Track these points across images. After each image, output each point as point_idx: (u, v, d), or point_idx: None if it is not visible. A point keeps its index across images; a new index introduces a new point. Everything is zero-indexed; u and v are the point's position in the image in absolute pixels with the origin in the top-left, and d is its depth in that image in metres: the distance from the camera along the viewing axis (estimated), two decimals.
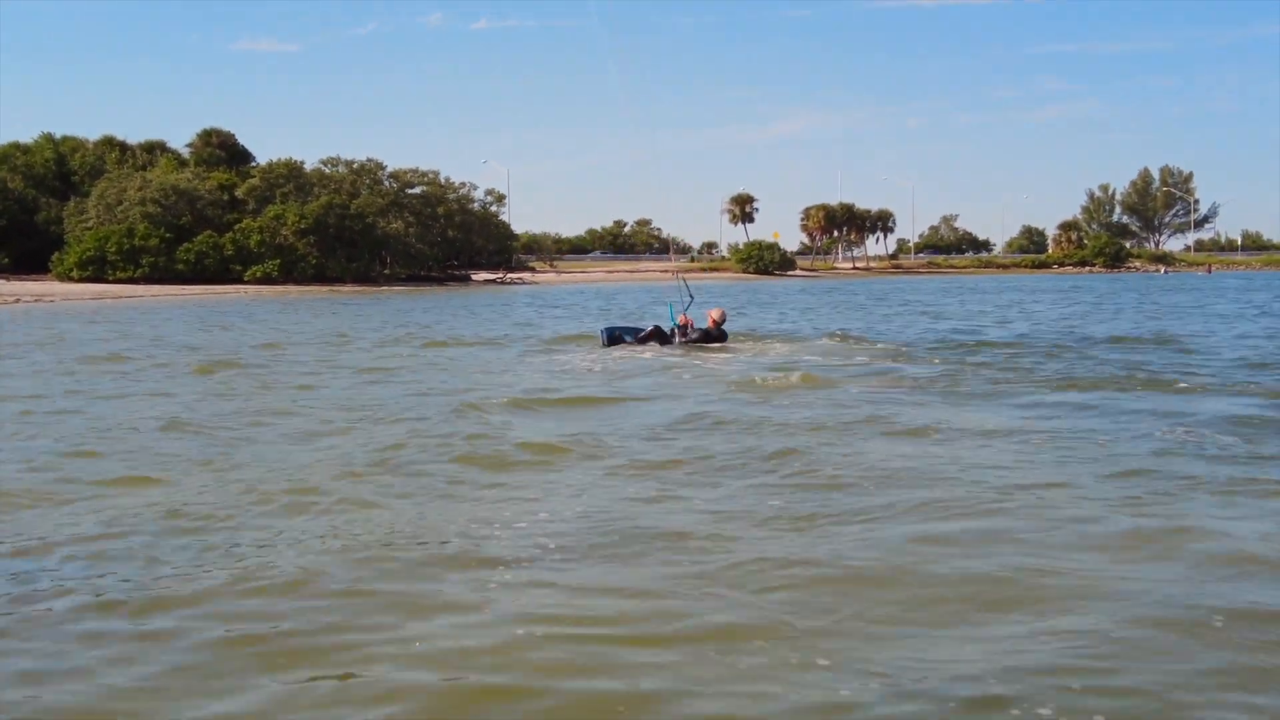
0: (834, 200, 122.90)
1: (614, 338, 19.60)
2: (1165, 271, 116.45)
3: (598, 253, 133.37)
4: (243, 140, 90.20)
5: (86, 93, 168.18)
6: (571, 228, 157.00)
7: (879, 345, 20.15)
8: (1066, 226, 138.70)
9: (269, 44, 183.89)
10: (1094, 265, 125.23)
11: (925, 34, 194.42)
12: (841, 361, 16.74)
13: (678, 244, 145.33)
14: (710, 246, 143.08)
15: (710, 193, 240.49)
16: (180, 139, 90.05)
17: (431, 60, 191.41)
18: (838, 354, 18.24)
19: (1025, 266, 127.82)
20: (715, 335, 19.44)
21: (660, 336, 19.29)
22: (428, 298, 50.67)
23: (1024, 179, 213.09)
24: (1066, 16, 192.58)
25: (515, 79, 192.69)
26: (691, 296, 20.33)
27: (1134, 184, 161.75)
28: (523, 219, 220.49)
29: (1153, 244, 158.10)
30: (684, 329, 19.27)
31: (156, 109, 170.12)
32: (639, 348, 19.01)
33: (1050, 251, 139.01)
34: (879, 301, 43.39)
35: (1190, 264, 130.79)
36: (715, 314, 19.87)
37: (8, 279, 60.96)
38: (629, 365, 16.32)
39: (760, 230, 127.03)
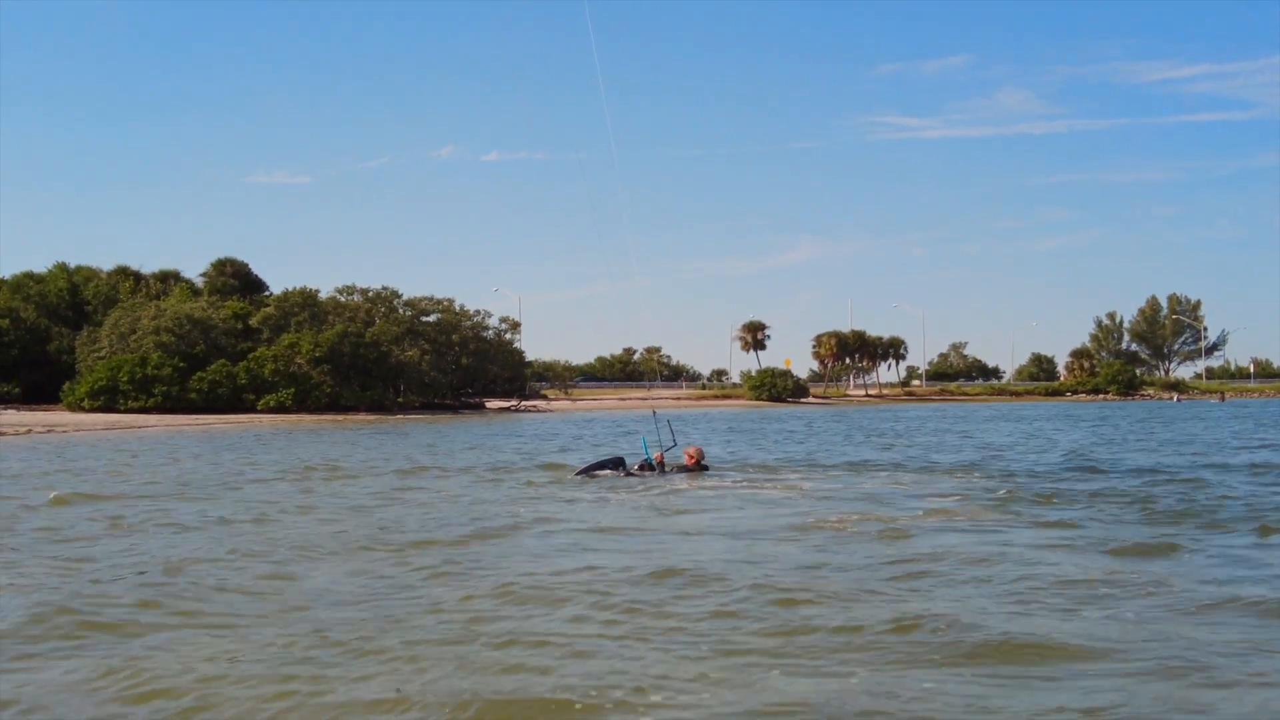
0: (843, 326, 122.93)
1: (592, 467, 19.51)
2: (1178, 399, 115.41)
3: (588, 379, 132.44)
4: (256, 270, 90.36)
5: (101, 223, 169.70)
6: (581, 355, 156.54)
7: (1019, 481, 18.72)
8: (1078, 354, 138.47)
9: (282, 176, 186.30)
10: (1107, 393, 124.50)
11: (928, 165, 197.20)
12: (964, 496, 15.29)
13: (688, 372, 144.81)
14: (720, 374, 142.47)
15: (719, 320, 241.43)
16: (194, 269, 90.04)
17: (443, 191, 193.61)
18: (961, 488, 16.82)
19: (1038, 394, 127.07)
20: (698, 470, 19.15)
21: (644, 468, 19.12)
22: (458, 426, 49.18)
23: (1031, 307, 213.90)
24: (1067, 148, 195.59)
25: (526, 209, 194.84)
26: (675, 441, 20.13)
27: (1142, 312, 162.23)
28: (533, 346, 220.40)
29: (1162, 371, 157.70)
30: (660, 465, 19.06)
31: (170, 239, 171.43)
32: (638, 474, 18.78)
33: (1063, 379, 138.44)
34: (937, 430, 41.99)
35: (1203, 392, 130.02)
36: (693, 451, 19.55)
37: (18, 409, 59.68)
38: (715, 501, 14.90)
39: (771, 357, 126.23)
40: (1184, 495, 15.33)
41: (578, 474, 19.25)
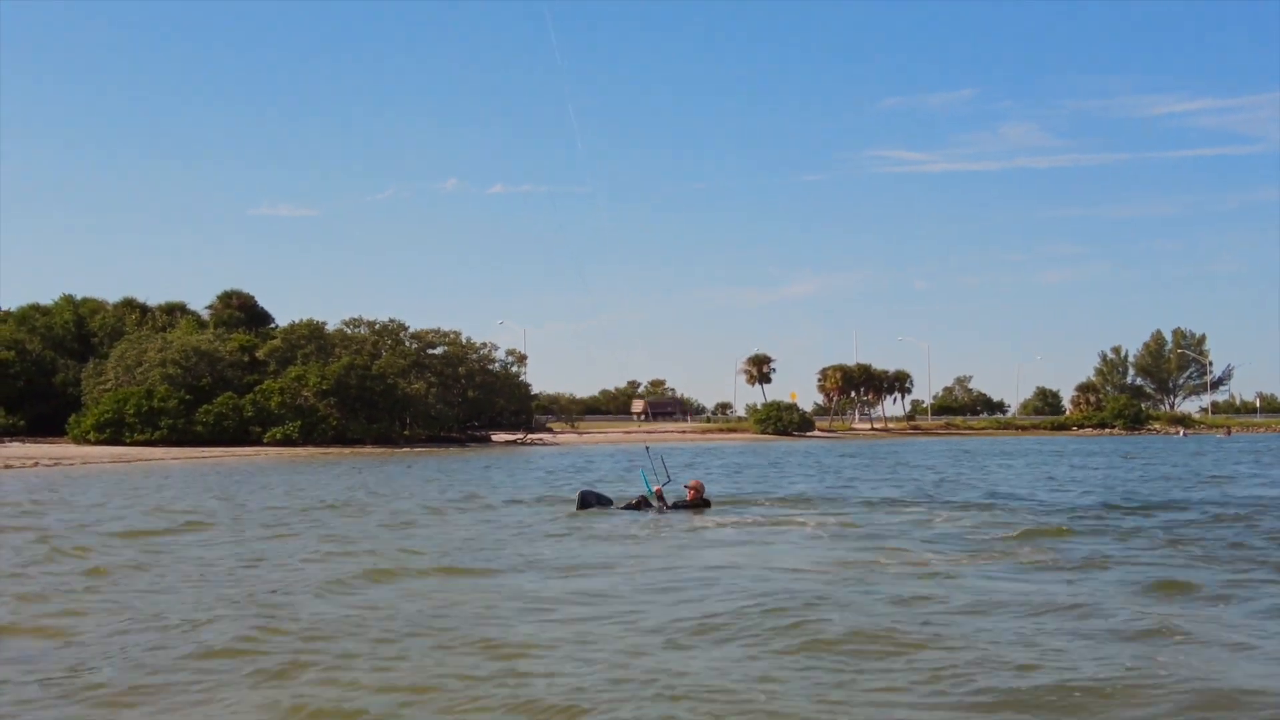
0: (846, 359, 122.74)
1: (586, 501, 19.40)
2: (1184, 434, 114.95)
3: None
4: (263, 302, 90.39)
5: (106, 256, 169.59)
6: (585, 388, 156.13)
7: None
8: (1084, 388, 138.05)
9: (287, 209, 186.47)
10: (1114, 427, 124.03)
11: (932, 198, 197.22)
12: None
13: (691, 405, 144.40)
14: (725, 407, 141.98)
15: (723, 353, 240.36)
16: (200, 301, 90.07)
17: (447, 224, 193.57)
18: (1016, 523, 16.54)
19: (1044, 428, 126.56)
20: (699, 504, 19.28)
21: (646, 505, 19.10)
22: (467, 459, 48.86)
23: (1036, 340, 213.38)
24: (1070, 182, 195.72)
25: (529, 242, 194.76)
26: (669, 476, 20.26)
27: (1147, 346, 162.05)
28: (537, 379, 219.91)
29: (1167, 406, 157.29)
30: (660, 499, 19.06)
31: (176, 272, 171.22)
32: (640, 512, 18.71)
33: (1069, 413, 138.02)
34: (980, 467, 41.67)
35: (1209, 426, 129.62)
36: (694, 485, 19.88)
37: (24, 441, 59.40)
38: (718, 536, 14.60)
39: (775, 390, 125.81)
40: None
41: (576, 510, 19.13)
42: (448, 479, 31.73)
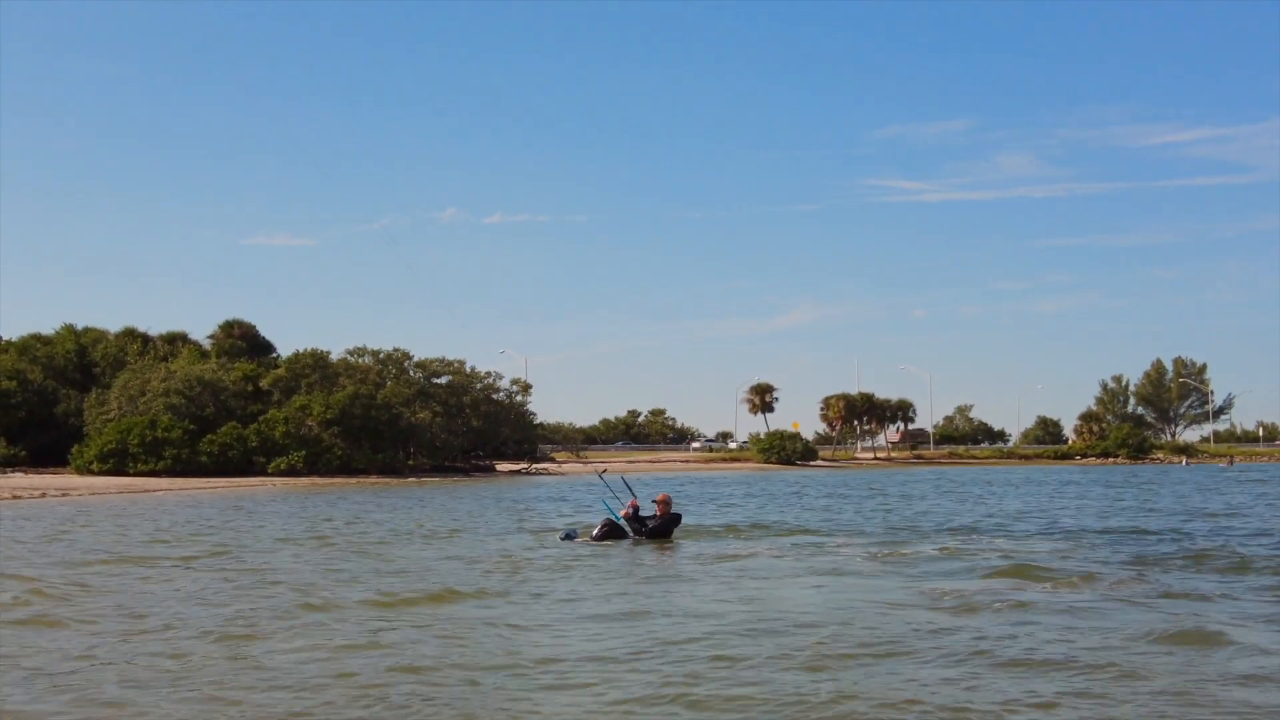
0: (843, 388, 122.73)
1: (570, 535, 19.40)
2: (1187, 463, 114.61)
3: (620, 443, 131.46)
4: (264, 332, 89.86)
5: (107, 285, 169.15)
6: (585, 417, 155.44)
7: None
8: (1088, 417, 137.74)
9: (284, 239, 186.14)
10: (1117, 456, 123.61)
11: (928, 227, 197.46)
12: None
13: (693, 434, 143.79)
14: (725, 436, 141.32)
15: (722, 382, 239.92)
16: (201, 331, 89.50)
17: (446, 253, 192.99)
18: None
19: (1047, 458, 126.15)
20: (670, 520, 19.19)
21: (618, 531, 18.89)
22: (485, 487, 48.27)
23: (1036, 369, 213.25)
24: (1067, 211, 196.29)
25: (529, 271, 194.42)
26: (633, 494, 20.07)
27: (1148, 375, 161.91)
28: (538, 408, 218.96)
29: (1169, 435, 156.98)
30: (636, 520, 18.97)
31: (177, 301, 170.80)
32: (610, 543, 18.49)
33: (1072, 442, 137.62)
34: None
35: (1212, 455, 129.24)
36: (662, 499, 19.74)
37: (25, 472, 58.67)
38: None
39: (776, 419, 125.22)
40: None
41: (562, 538, 19.12)
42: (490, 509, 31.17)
